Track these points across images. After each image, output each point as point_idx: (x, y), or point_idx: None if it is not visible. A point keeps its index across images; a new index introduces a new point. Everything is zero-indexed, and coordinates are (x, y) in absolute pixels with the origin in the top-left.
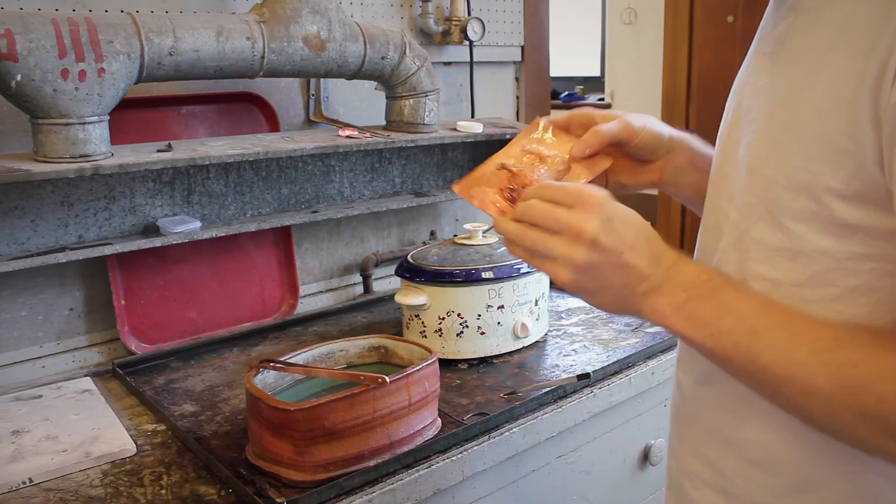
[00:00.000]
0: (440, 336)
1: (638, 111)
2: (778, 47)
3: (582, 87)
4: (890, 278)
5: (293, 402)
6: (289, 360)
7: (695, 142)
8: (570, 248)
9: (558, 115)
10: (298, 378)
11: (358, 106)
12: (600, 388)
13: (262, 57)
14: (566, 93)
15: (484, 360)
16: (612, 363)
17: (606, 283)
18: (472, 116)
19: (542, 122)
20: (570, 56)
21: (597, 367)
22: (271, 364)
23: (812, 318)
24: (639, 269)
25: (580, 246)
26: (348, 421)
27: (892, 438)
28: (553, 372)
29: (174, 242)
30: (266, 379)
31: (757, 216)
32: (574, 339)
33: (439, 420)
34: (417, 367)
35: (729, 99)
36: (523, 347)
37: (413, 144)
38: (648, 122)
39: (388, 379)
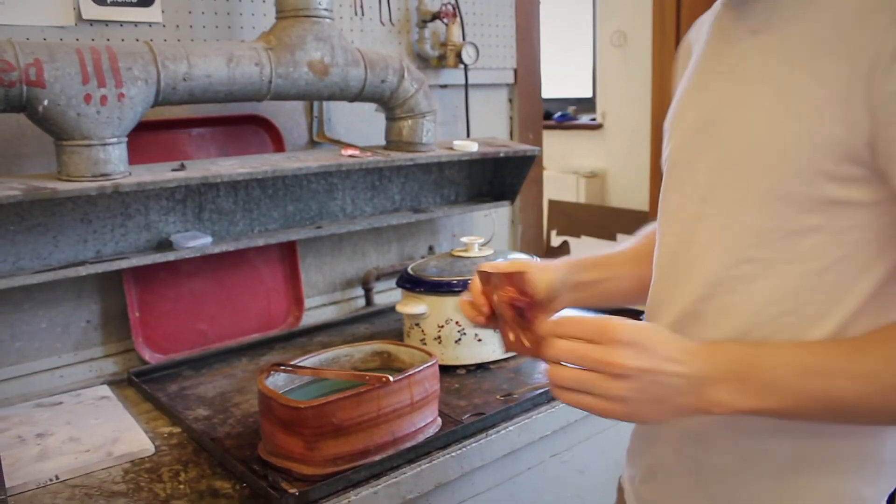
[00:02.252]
0: (439, 343)
1: (629, 130)
2: (742, 63)
3: (574, 107)
4: (869, 245)
5: (304, 401)
6: (298, 364)
7: (568, 270)
8: (609, 383)
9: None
10: (307, 381)
11: (358, 127)
12: None
13: (270, 81)
14: (559, 113)
15: (481, 366)
16: None
17: (656, 399)
18: (468, 136)
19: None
20: (563, 78)
21: None
22: (282, 367)
23: (838, 340)
24: (681, 374)
25: (618, 380)
26: (355, 418)
27: None
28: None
29: (186, 257)
30: (276, 381)
31: (745, 205)
32: None
33: (439, 419)
34: (419, 369)
35: (676, 118)
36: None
37: (412, 163)
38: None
39: (391, 379)
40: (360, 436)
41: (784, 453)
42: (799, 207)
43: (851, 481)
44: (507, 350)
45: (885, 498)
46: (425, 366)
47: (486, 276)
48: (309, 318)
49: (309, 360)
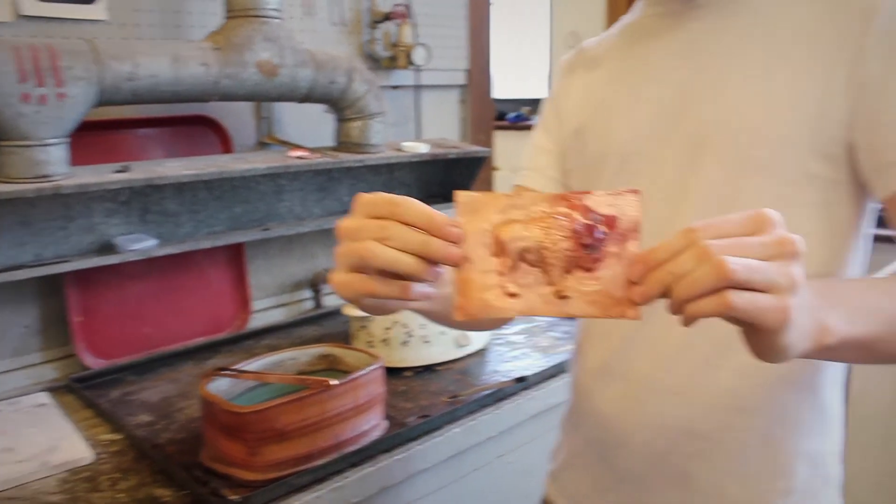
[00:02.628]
0: (386, 345)
1: None
2: (706, 50)
3: (529, 108)
4: (824, 221)
5: (246, 406)
6: (241, 368)
7: None
8: (790, 268)
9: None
10: (251, 385)
11: (308, 128)
12: (538, 390)
13: (217, 82)
14: (514, 114)
15: (428, 368)
16: (550, 367)
17: (805, 308)
18: (419, 137)
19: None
20: (518, 79)
21: (535, 371)
22: (225, 372)
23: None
24: (811, 285)
25: (794, 264)
26: (297, 422)
27: None
28: (493, 377)
29: (130, 260)
30: (220, 386)
31: (729, 183)
32: (515, 346)
33: (385, 422)
34: (363, 372)
35: (614, 118)
36: (466, 355)
37: (361, 164)
38: None
39: (334, 383)
40: (303, 440)
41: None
42: (784, 182)
43: (805, 442)
44: (519, 312)
45: (840, 451)
46: (370, 369)
47: (508, 200)
48: (257, 321)
49: (253, 365)
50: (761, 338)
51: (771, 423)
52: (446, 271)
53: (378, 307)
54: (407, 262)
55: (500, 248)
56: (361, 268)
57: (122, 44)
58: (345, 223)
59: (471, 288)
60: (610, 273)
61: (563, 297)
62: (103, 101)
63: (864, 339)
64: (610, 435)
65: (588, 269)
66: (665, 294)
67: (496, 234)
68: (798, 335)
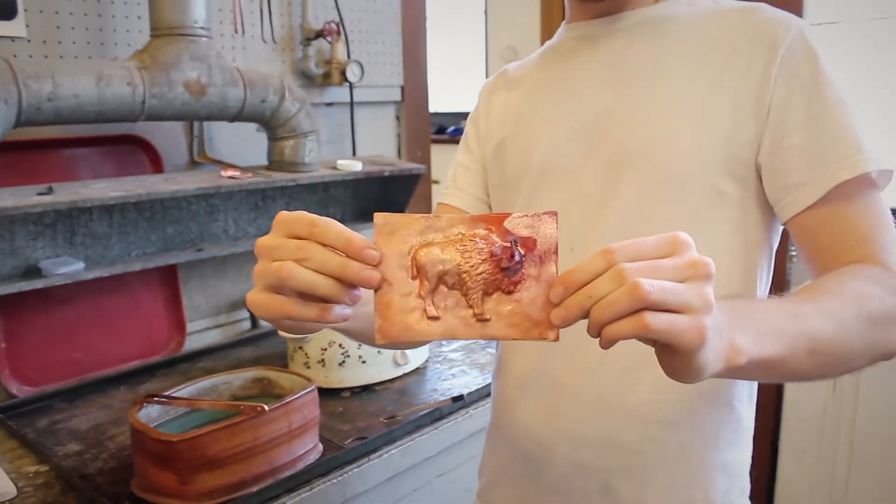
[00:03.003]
0: (323, 366)
1: None
2: (620, 73)
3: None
4: (736, 238)
5: (175, 434)
6: (172, 395)
7: None
8: (704, 288)
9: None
10: (183, 412)
11: (241, 146)
12: (476, 408)
13: (143, 102)
14: (452, 127)
15: (366, 388)
16: (487, 385)
17: (717, 330)
18: (354, 154)
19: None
20: (456, 93)
21: (472, 390)
22: (155, 398)
23: (793, 295)
24: (721, 306)
25: (708, 284)
26: (230, 449)
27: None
28: (431, 395)
29: (57, 284)
30: (150, 414)
31: (647, 198)
32: (453, 364)
33: (321, 445)
34: (296, 396)
35: (532, 136)
36: (404, 374)
37: (294, 184)
38: None
39: (266, 408)
40: (236, 467)
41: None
42: (697, 200)
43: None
44: (439, 335)
45: (749, 460)
46: (303, 392)
47: (418, 223)
48: (193, 343)
49: (185, 390)
50: (677, 358)
51: (690, 436)
52: (367, 292)
53: (296, 328)
54: (324, 285)
55: (418, 271)
56: (279, 288)
57: (43, 62)
58: (263, 241)
59: (391, 311)
60: (529, 295)
61: (483, 320)
62: (23, 121)
63: (770, 360)
64: (534, 448)
65: (507, 292)
66: (584, 315)
67: (414, 256)
68: (712, 355)
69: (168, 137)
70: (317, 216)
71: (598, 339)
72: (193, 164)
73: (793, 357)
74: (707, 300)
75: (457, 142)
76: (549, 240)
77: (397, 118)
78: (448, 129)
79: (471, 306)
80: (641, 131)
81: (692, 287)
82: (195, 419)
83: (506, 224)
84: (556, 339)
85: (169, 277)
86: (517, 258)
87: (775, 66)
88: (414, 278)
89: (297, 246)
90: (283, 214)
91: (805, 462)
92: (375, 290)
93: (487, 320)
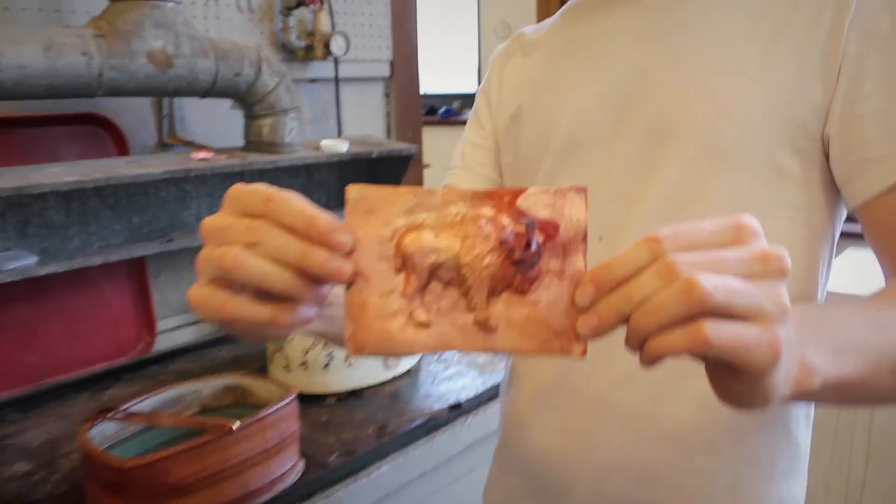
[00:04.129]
0: (305, 369)
1: None
2: (657, 21)
3: (459, 102)
4: (798, 223)
5: (130, 458)
6: (130, 409)
7: None
8: (777, 289)
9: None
10: (144, 427)
11: (217, 126)
12: (474, 416)
13: (101, 74)
14: (444, 109)
15: (353, 393)
16: (487, 389)
17: (789, 345)
18: (340, 135)
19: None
20: (447, 73)
21: (470, 396)
22: (109, 415)
23: (870, 300)
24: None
25: (781, 283)
26: (195, 474)
27: None
28: (425, 401)
29: (6, 281)
30: (105, 431)
31: (692, 172)
32: (448, 364)
33: (302, 463)
34: (271, 410)
35: (553, 108)
36: (395, 377)
37: (273, 166)
38: None
39: (236, 426)
40: (203, 494)
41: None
42: (754, 178)
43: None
44: (431, 347)
45: (804, 494)
46: (281, 405)
47: (402, 198)
48: (163, 343)
49: (147, 402)
50: (739, 380)
51: (741, 466)
52: (337, 289)
53: (250, 333)
54: (280, 278)
55: (404, 263)
56: (225, 281)
57: None
58: (209, 221)
59: (367, 314)
60: (549, 296)
61: (487, 328)
62: None
63: (849, 381)
64: (551, 475)
65: (521, 291)
66: (622, 323)
67: (399, 243)
68: (783, 377)
69: (135, 116)
70: (276, 189)
71: (639, 353)
72: (163, 145)
73: (875, 377)
74: (783, 305)
75: (448, 123)
76: (575, 224)
77: (386, 96)
78: (439, 110)
79: (472, 310)
80: (686, 95)
81: (764, 287)
82: (157, 436)
83: (520, 203)
84: (583, 354)
85: (137, 271)
86: (534, 248)
87: (848, 15)
88: (398, 272)
89: (248, 227)
90: (236, 188)
91: (820, 462)
92: (347, 287)
93: (493, 329)
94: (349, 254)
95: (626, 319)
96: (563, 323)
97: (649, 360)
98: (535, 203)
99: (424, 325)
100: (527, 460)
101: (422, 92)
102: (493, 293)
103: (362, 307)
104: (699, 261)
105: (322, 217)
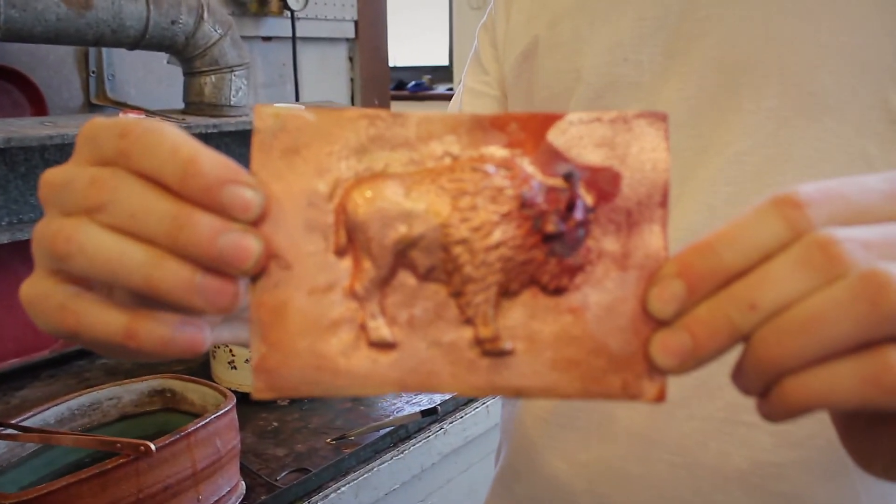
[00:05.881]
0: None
1: None
2: None
3: (430, 76)
4: None
5: (12, 493)
6: (22, 422)
7: None
8: None
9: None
10: (42, 447)
11: (153, 87)
12: (451, 422)
13: None
14: (413, 83)
15: None
16: None
17: None
18: (297, 100)
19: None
20: (418, 45)
21: (446, 398)
22: None
23: None
24: None
25: None
26: None
27: None
28: (394, 405)
29: None
30: None
31: (780, 126)
32: None
33: (243, 484)
34: (201, 423)
35: (586, 31)
36: None
37: (216, 131)
38: None
39: (153, 447)
40: None
41: None
42: (860, 128)
43: None
44: (395, 385)
45: None
46: (214, 415)
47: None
48: None
49: (52, 411)
50: None
51: None
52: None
53: (111, 352)
54: (140, 268)
55: (351, 239)
56: (65, 273)
57: None
58: (48, 177)
59: (287, 326)
60: (603, 299)
61: (496, 352)
62: None
63: None
64: None
65: (555, 291)
66: (738, 343)
67: (344, 205)
68: None
69: (55, 72)
70: (140, 121)
71: (762, 399)
72: (91, 107)
73: None
74: None
75: (418, 98)
76: (650, 175)
77: (350, 59)
78: (408, 84)
79: (469, 321)
80: (764, 19)
81: None
82: (63, 456)
83: (552, 137)
84: (660, 398)
85: None
86: (578, 215)
87: None
88: (340, 254)
89: (91, 180)
90: (91, 123)
91: None
92: (253, 279)
93: (507, 353)
94: (257, 222)
95: (742, 340)
96: (627, 343)
97: (784, 412)
98: (580, 138)
99: (387, 347)
100: (536, 495)
101: (391, 64)
102: (506, 291)
103: (279, 314)
104: (877, 241)
105: (209, 158)
